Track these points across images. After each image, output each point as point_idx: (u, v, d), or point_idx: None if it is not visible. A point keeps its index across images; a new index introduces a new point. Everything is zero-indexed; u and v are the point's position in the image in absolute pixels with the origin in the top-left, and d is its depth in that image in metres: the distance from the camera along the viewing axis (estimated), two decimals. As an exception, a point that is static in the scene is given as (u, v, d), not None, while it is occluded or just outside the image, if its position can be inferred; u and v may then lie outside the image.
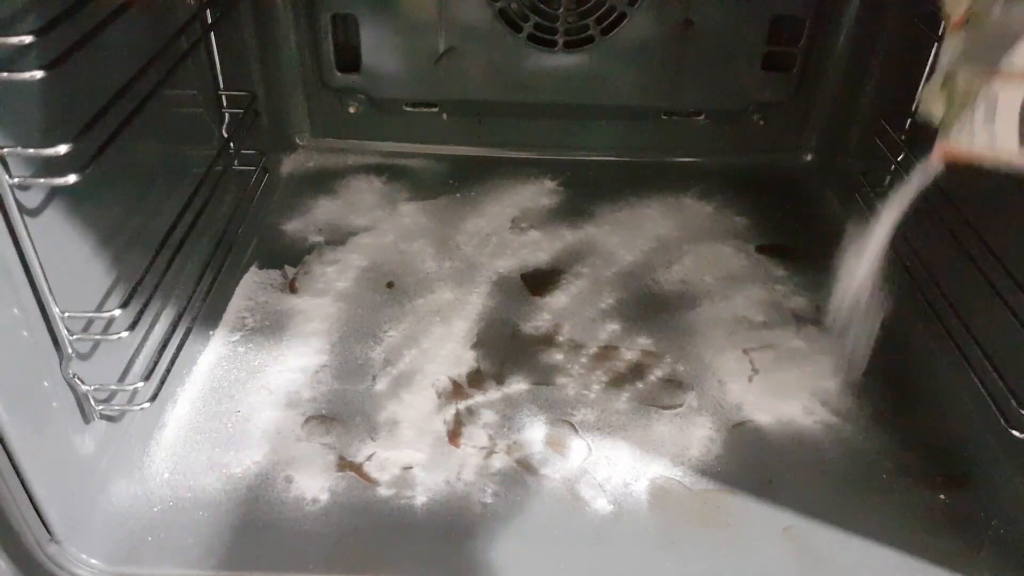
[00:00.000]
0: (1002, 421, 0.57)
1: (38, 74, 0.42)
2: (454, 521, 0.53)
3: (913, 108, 0.30)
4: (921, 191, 0.36)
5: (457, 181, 0.91)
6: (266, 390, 0.63)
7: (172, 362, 0.61)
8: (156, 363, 0.59)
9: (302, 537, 0.52)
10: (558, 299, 0.74)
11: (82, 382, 0.51)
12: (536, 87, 0.91)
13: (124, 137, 0.51)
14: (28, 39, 0.40)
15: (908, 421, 0.62)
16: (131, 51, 0.56)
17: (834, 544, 0.53)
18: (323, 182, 0.90)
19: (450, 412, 0.62)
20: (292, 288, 0.74)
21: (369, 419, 0.61)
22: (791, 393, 0.64)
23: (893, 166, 0.76)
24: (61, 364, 0.49)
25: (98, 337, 0.52)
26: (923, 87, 0.33)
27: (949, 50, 0.32)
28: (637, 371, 0.66)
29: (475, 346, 0.68)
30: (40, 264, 0.45)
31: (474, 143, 0.96)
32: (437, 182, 0.91)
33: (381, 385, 0.64)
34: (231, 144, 0.78)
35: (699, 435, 0.60)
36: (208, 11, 0.71)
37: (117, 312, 0.53)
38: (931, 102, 0.32)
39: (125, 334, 0.53)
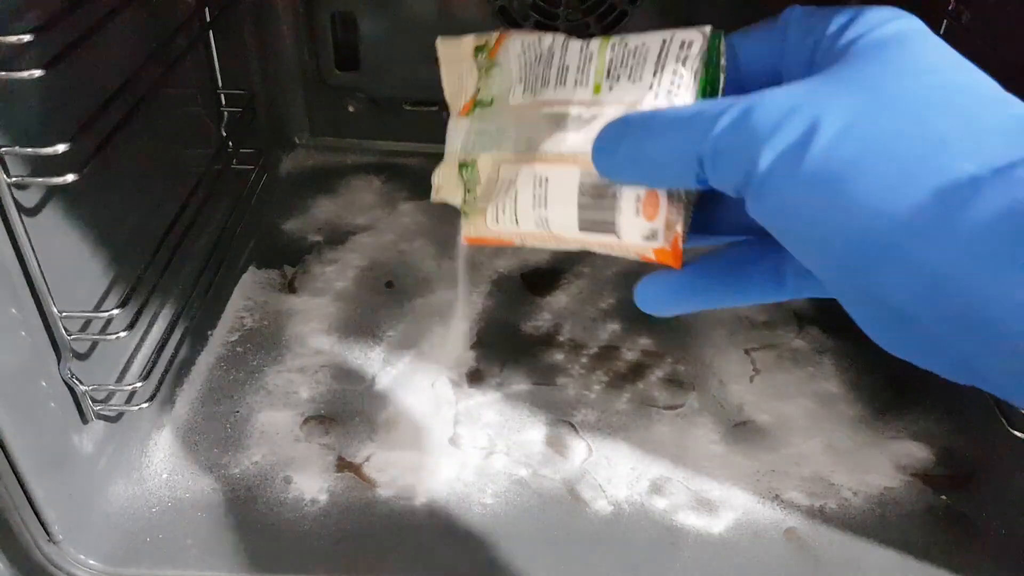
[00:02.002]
0: (1003, 421, 0.57)
1: (36, 73, 0.41)
2: (454, 522, 0.53)
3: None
4: None
5: (457, 180, 0.91)
6: (264, 390, 0.63)
7: (170, 362, 0.61)
8: (154, 363, 0.58)
9: (301, 537, 0.52)
10: (558, 299, 0.74)
11: (80, 382, 0.50)
12: (536, 86, 0.91)
13: (122, 136, 0.51)
14: (27, 38, 0.40)
15: (908, 421, 0.62)
16: (129, 50, 0.56)
17: (835, 545, 0.53)
18: (322, 181, 0.90)
19: (450, 412, 0.61)
20: (291, 288, 0.74)
21: (368, 419, 0.61)
22: (793, 393, 0.64)
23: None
24: (59, 364, 0.49)
25: (96, 337, 0.52)
26: (435, 173, 0.32)
27: (458, 136, 0.31)
28: (637, 371, 0.66)
29: (475, 346, 0.68)
30: (38, 263, 0.45)
31: (474, 142, 0.95)
32: (437, 181, 0.90)
33: (380, 385, 0.64)
34: (230, 143, 0.77)
35: (700, 435, 0.60)
36: (207, 9, 0.70)
37: (115, 312, 0.53)
38: (447, 190, 0.32)
39: (123, 334, 0.53)
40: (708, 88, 0.27)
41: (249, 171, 0.81)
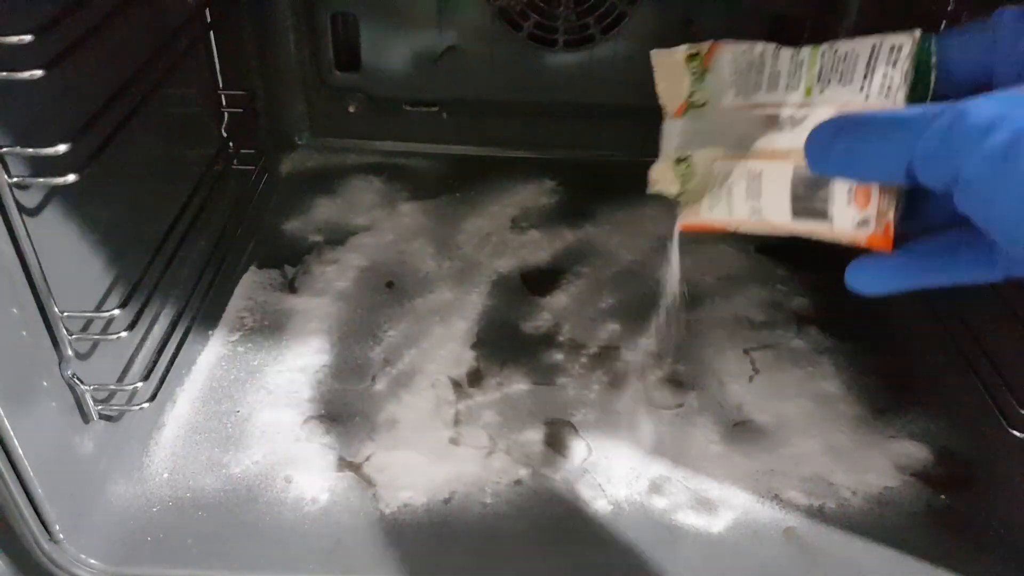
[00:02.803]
0: (1002, 421, 0.57)
1: (37, 73, 0.41)
2: (454, 521, 0.53)
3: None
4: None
5: (457, 181, 0.91)
6: (265, 390, 0.63)
7: (171, 362, 0.61)
8: (155, 363, 0.59)
9: (302, 537, 0.52)
10: (558, 299, 0.74)
11: (81, 382, 0.50)
12: (536, 87, 0.91)
13: (123, 136, 0.51)
14: (28, 38, 0.40)
15: (907, 421, 0.62)
16: (130, 50, 0.56)
17: (834, 544, 0.53)
18: (322, 182, 0.90)
19: (450, 412, 0.61)
20: (291, 288, 0.74)
21: (369, 419, 0.61)
22: (792, 393, 0.64)
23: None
24: (60, 364, 0.49)
25: (97, 337, 0.52)
26: (652, 168, 0.36)
27: (673, 135, 0.35)
28: (637, 371, 0.66)
29: (475, 346, 0.68)
30: (39, 264, 0.45)
31: (474, 143, 0.95)
32: (437, 182, 0.91)
33: (381, 385, 0.64)
34: (230, 143, 0.78)
35: (699, 435, 0.60)
36: (207, 10, 0.71)
37: (116, 312, 0.53)
38: (663, 183, 0.36)
39: (124, 334, 0.53)
40: (919, 88, 0.29)
41: (250, 171, 0.81)
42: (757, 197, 0.31)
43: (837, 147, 0.28)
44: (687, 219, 0.35)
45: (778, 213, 0.31)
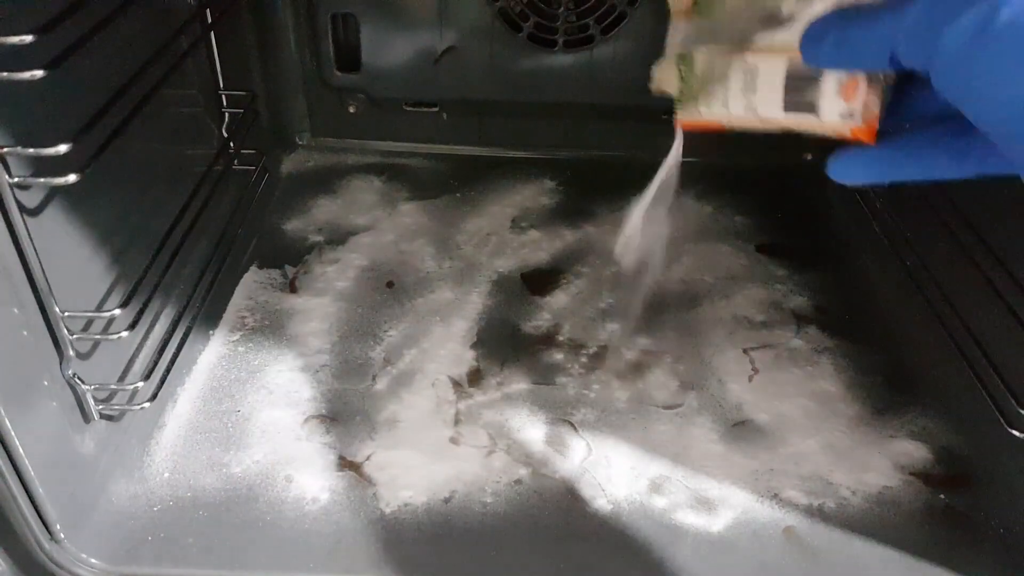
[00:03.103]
0: (1002, 420, 0.57)
1: (38, 73, 0.42)
2: (454, 521, 0.53)
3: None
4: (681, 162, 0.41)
5: (457, 181, 0.91)
6: (266, 389, 0.63)
7: (172, 361, 0.61)
8: (156, 362, 0.59)
9: (302, 536, 0.52)
10: (558, 299, 0.74)
11: (82, 381, 0.51)
12: (536, 87, 0.91)
13: (124, 136, 0.51)
14: (28, 38, 0.40)
15: (906, 420, 0.62)
16: (131, 50, 0.56)
17: (833, 543, 0.53)
18: (323, 182, 0.90)
19: (450, 412, 0.62)
20: (292, 287, 0.74)
21: (369, 419, 0.61)
22: (791, 393, 0.64)
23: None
24: (61, 363, 0.49)
25: (98, 336, 0.52)
26: (654, 66, 0.37)
27: (677, 34, 0.36)
28: (637, 371, 0.66)
29: (475, 346, 0.68)
30: (40, 264, 0.46)
31: (474, 143, 0.96)
32: (437, 182, 0.91)
33: (381, 385, 0.64)
34: (231, 144, 0.78)
35: (699, 435, 0.60)
36: (208, 10, 0.71)
37: (117, 312, 0.53)
38: (665, 81, 0.36)
39: (125, 334, 0.53)
40: None
41: (250, 171, 0.81)
42: (752, 92, 0.33)
43: (828, 38, 0.29)
44: (686, 117, 0.36)
45: (771, 108, 0.33)
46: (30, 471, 0.46)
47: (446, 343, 0.68)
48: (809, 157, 0.96)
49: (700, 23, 0.35)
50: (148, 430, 0.59)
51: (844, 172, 0.32)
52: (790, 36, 0.31)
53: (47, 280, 0.46)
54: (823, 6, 0.31)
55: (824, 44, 0.29)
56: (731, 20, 0.34)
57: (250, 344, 0.68)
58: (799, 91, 0.32)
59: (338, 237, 0.81)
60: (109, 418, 0.55)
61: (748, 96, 0.33)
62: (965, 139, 0.29)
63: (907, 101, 0.32)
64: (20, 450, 0.45)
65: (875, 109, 0.31)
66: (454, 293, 0.74)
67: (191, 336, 0.65)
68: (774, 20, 0.32)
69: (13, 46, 0.40)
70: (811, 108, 0.32)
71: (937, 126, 0.31)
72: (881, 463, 0.58)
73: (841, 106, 0.31)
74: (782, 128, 0.33)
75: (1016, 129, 0.24)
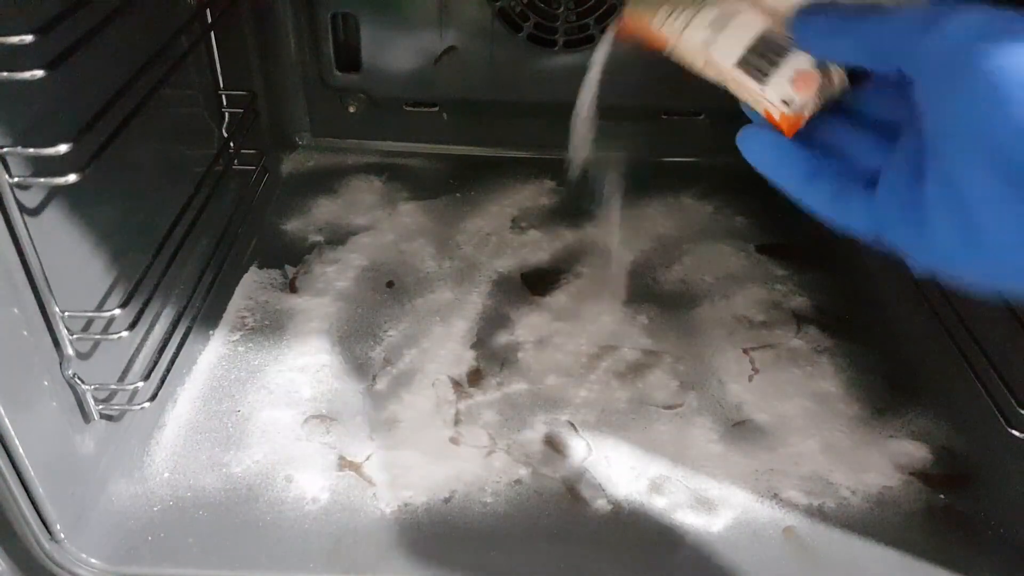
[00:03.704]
0: (1001, 420, 0.57)
1: (39, 73, 0.42)
2: (454, 521, 0.53)
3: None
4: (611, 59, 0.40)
5: (457, 181, 0.91)
6: (266, 389, 0.63)
7: (172, 361, 0.61)
8: (156, 362, 0.59)
9: (302, 536, 0.52)
10: (558, 299, 0.74)
11: (82, 381, 0.51)
12: (536, 87, 0.91)
13: (124, 136, 0.51)
14: (29, 38, 0.40)
15: (906, 420, 0.62)
16: (131, 50, 0.56)
17: (833, 543, 0.53)
18: (323, 182, 0.90)
19: (450, 412, 0.62)
20: (292, 287, 0.74)
21: (369, 419, 0.61)
22: (791, 393, 0.64)
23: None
24: (61, 363, 0.49)
25: (98, 336, 0.52)
26: None
27: None
28: (637, 371, 0.66)
29: (475, 346, 0.68)
30: (40, 264, 0.45)
31: (474, 143, 0.96)
32: (437, 182, 0.91)
33: (381, 385, 0.64)
34: (231, 144, 0.78)
35: (699, 435, 0.60)
36: (208, 10, 0.71)
37: (117, 311, 0.53)
38: None
39: (125, 334, 0.53)
40: None
41: (250, 171, 0.81)
42: (718, 31, 0.33)
43: (819, 21, 0.30)
44: (632, 20, 0.35)
45: (726, 55, 0.33)
46: (30, 471, 0.46)
47: (446, 343, 0.68)
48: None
49: None
50: (148, 430, 0.59)
51: (750, 148, 0.33)
52: (783, 2, 0.32)
53: (47, 280, 0.46)
54: None
55: (818, 27, 0.30)
56: None
57: (250, 344, 0.68)
58: (761, 56, 0.32)
59: (338, 237, 0.81)
60: (109, 418, 0.55)
61: (712, 32, 0.33)
62: (873, 163, 0.30)
63: (860, 103, 0.33)
64: (20, 450, 0.45)
65: (809, 110, 0.32)
66: (454, 293, 0.74)
67: (191, 336, 0.65)
68: None
69: (13, 46, 0.40)
70: (760, 77, 0.32)
71: (856, 141, 0.32)
72: (881, 463, 0.58)
73: (786, 91, 0.32)
74: (716, 79, 0.33)
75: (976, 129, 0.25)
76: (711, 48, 0.33)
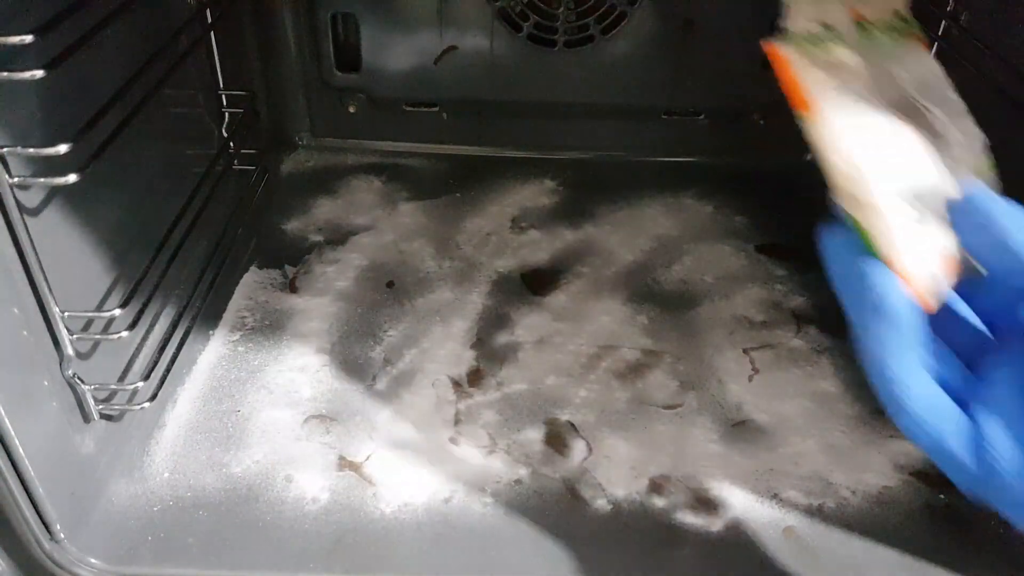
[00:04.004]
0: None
1: (38, 73, 0.42)
2: (454, 520, 0.53)
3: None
4: None
5: (457, 181, 0.91)
6: (266, 389, 0.63)
7: (172, 361, 0.61)
8: (156, 362, 0.59)
9: (302, 536, 0.52)
10: (558, 299, 0.74)
11: (82, 381, 0.51)
12: (536, 87, 0.91)
13: (124, 137, 0.51)
14: (28, 38, 0.40)
15: (908, 421, 0.62)
16: (131, 51, 0.56)
17: (833, 543, 0.53)
18: (323, 182, 0.90)
19: (450, 411, 0.62)
20: (292, 287, 0.74)
21: (369, 418, 0.61)
22: (791, 393, 0.64)
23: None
24: (61, 363, 0.49)
25: (98, 336, 0.52)
26: None
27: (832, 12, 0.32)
28: (637, 371, 0.66)
29: (475, 345, 0.68)
30: (40, 264, 0.45)
31: (474, 143, 0.96)
32: (437, 182, 0.91)
33: (381, 384, 0.64)
34: (231, 144, 0.78)
35: (699, 435, 0.60)
36: (208, 11, 0.71)
37: (117, 312, 0.53)
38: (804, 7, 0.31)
39: (125, 334, 0.53)
40: None
41: (250, 171, 0.81)
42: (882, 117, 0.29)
43: (978, 230, 0.27)
44: (785, 48, 0.30)
45: (876, 185, 0.28)
46: (30, 471, 0.46)
47: (446, 343, 0.68)
48: (809, 157, 0.96)
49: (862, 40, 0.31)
50: (148, 430, 0.59)
51: (833, 247, 0.31)
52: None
53: (47, 280, 0.46)
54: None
55: (972, 230, 0.27)
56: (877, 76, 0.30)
57: (250, 344, 0.68)
58: (918, 195, 0.28)
59: (338, 237, 0.81)
60: (109, 418, 0.55)
61: (866, 115, 0.29)
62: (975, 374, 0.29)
63: (986, 304, 0.30)
64: (20, 450, 0.45)
65: (931, 295, 0.28)
66: (454, 293, 0.74)
67: (191, 336, 0.65)
68: (918, 115, 0.29)
69: (13, 46, 0.40)
70: (914, 218, 0.28)
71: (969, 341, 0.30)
72: (881, 463, 0.58)
73: (928, 259, 0.28)
74: (847, 187, 0.29)
75: None
76: (863, 170, 0.29)
